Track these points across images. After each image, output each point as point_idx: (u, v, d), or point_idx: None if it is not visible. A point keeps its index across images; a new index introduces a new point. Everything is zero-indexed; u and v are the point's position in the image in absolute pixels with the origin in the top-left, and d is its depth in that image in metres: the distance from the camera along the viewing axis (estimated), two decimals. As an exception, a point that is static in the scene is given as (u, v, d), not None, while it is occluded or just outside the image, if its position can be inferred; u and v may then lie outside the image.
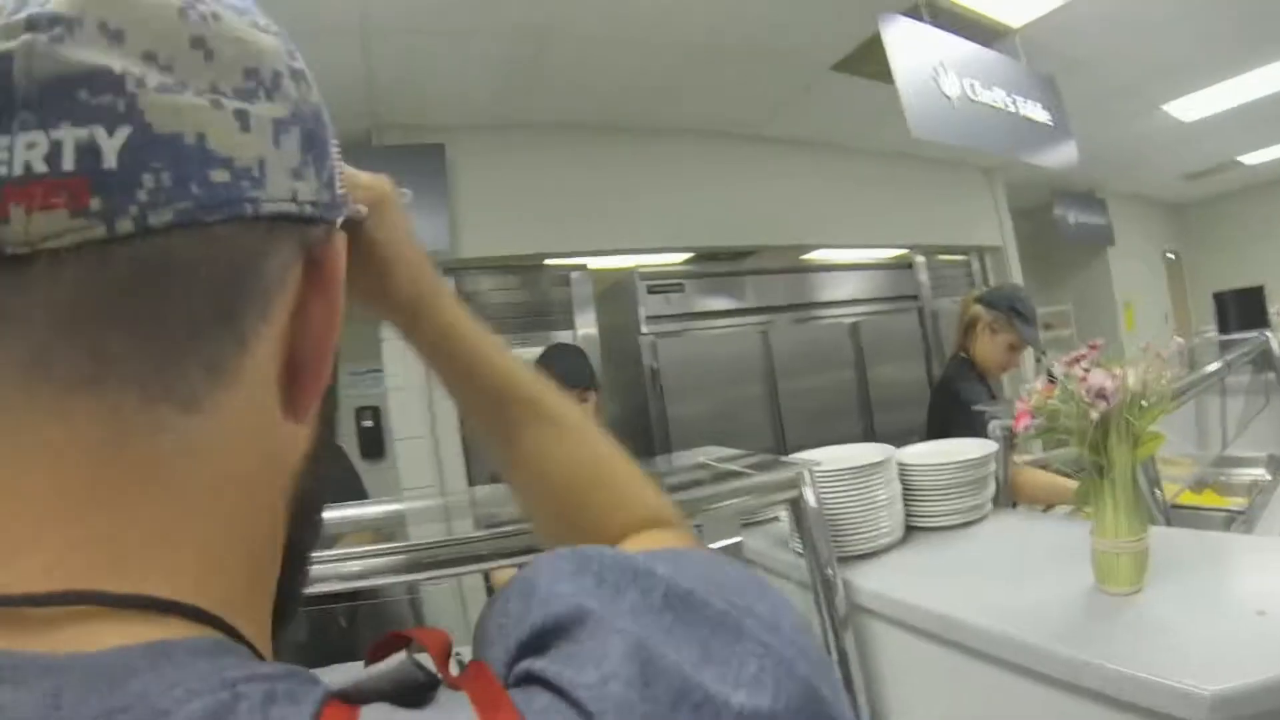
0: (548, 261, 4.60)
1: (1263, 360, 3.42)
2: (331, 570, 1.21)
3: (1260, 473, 2.90)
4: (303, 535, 0.48)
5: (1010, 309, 3.11)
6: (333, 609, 2.59)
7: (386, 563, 1.28)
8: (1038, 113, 3.95)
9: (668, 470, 2.07)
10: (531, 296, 4.54)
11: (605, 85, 4.15)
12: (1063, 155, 4.13)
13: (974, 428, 2.40)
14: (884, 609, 1.64)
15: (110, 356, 0.35)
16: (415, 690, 0.37)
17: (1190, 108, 5.83)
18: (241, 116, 0.37)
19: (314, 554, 0.53)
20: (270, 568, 0.45)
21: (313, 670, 0.36)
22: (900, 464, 1.93)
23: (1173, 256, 10.14)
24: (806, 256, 5.76)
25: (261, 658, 0.38)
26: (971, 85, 3.51)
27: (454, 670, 0.40)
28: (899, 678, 1.66)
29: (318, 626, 2.52)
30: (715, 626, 0.38)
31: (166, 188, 0.34)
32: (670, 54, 3.86)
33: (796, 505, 1.63)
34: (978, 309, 3.21)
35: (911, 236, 6.08)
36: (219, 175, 0.36)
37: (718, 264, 5.32)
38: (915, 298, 6.12)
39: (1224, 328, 4.39)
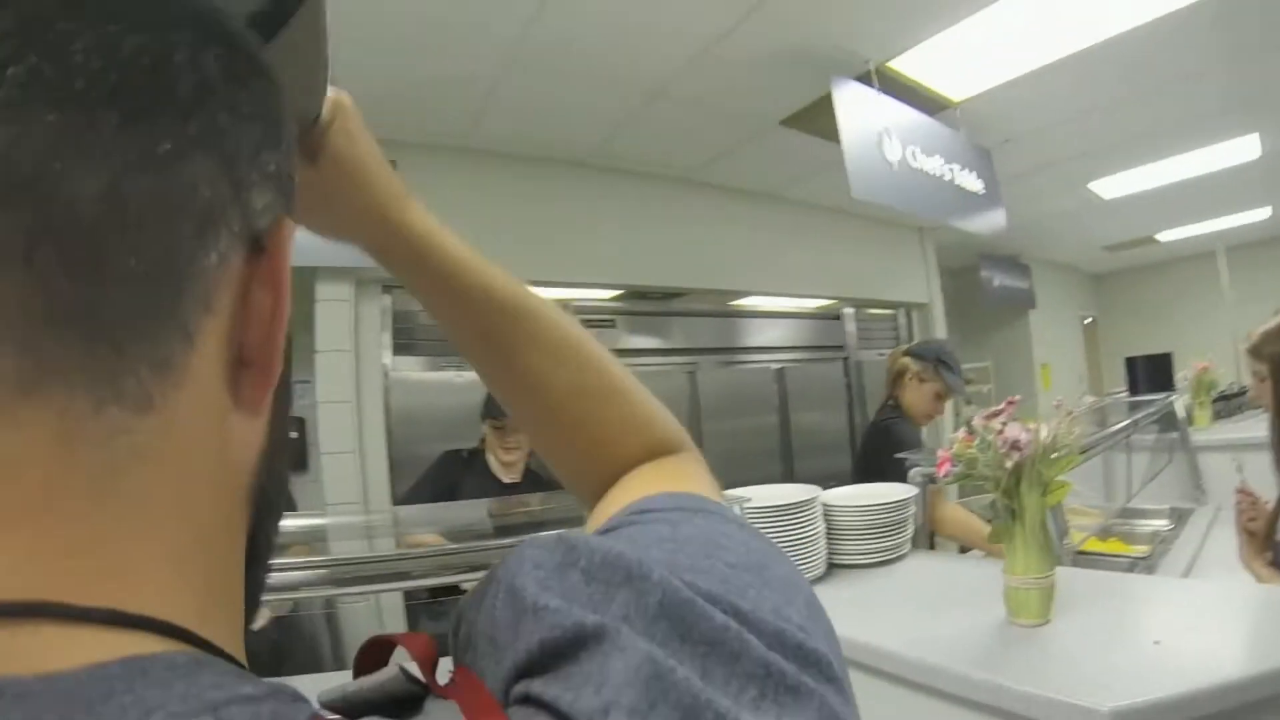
0: None
1: (1167, 421, 3.68)
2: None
3: (1163, 524, 3.10)
4: (265, 533, 0.47)
5: (937, 360, 3.29)
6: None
7: (312, 576, 1.29)
8: (971, 181, 4.18)
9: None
10: None
11: (556, 118, 4.21)
12: (992, 222, 4.38)
13: (900, 471, 2.50)
14: None
15: (50, 357, 0.33)
16: (405, 701, 0.38)
17: (1112, 186, 6.23)
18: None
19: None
20: (235, 570, 0.43)
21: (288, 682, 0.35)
22: (825, 504, 2.03)
23: (1089, 321, 10.66)
24: (737, 302, 5.88)
25: (241, 666, 0.37)
26: (913, 152, 3.70)
27: (441, 679, 0.40)
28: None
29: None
30: (713, 644, 0.36)
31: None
32: (624, 93, 3.94)
33: None
34: (906, 360, 3.39)
35: (841, 289, 6.24)
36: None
37: (648, 303, 5.41)
38: (841, 348, 6.31)
39: (1134, 389, 4.68)
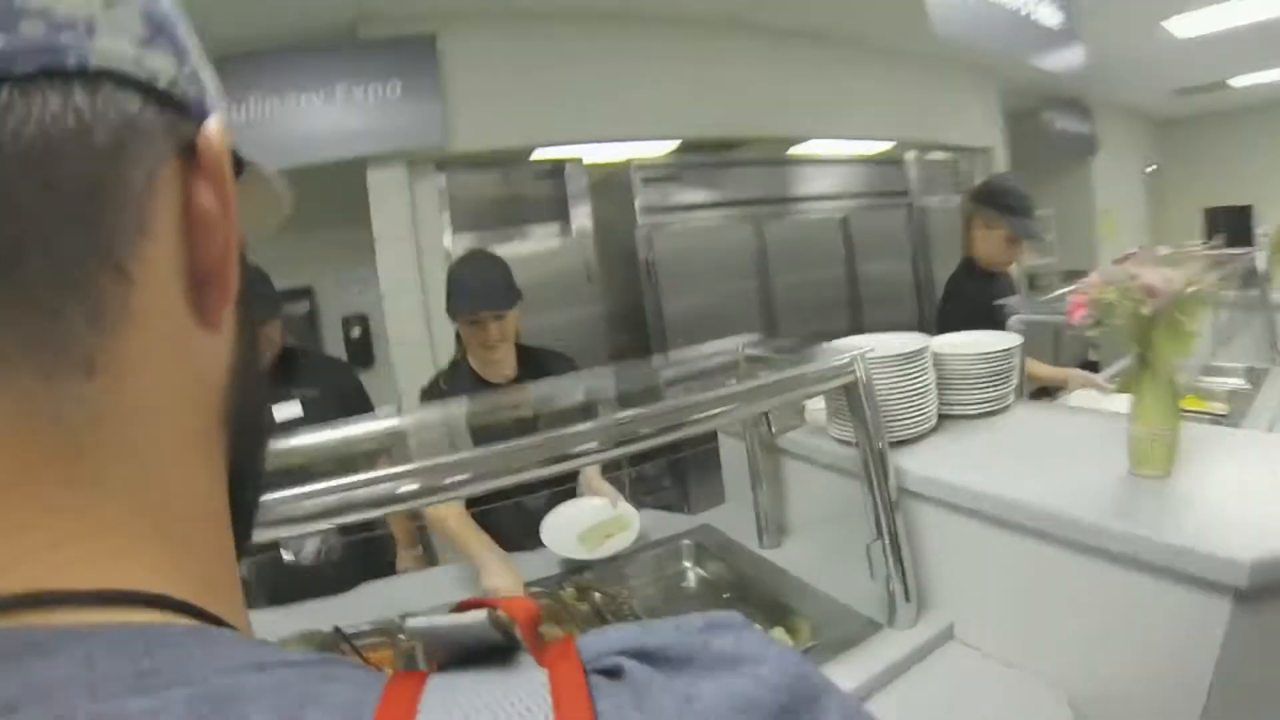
0: (540, 154, 4.57)
1: (1247, 277, 3.55)
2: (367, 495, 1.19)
3: (1240, 382, 3.07)
4: (248, 454, 0.46)
5: (1003, 204, 3.14)
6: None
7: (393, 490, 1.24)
8: (1049, 15, 3.98)
9: (709, 360, 2.15)
10: (525, 191, 4.50)
11: None
12: (1068, 59, 4.19)
13: (976, 326, 2.40)
14: (931, 491, 1.72)
15: None
16: (489, 652, 0.37)
17: (1188, 25, 5.91)
18: None
19: (264, 469, 0.50)
20: (222, 516, 0.42)
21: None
22: (935, 353, 1.99)
23: (1153, 170, 10.28)
24: (796, 149, 5.76)
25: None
26: None
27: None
28: (945, 557, 1.76)
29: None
30: None
31: None
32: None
33: (852, 390, 1.68)
34: (971, 205, 3.25)
35: (902, 132, 6.12)
36: (31, 27, 0.30)
37: (709, 155, 5.30)
38: (905, 194, 6.15)
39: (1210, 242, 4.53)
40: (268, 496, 1.12)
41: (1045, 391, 3.01)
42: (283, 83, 3.87)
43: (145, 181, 0.34)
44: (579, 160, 4.61)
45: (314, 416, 2.60)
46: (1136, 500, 1.44)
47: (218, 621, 0.34)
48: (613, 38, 4.64)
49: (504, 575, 2.11)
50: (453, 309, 2.57)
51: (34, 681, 0.27)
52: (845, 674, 1.57)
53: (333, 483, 1.18)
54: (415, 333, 4.16)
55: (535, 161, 4.56)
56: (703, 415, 1.49)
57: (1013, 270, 3.42)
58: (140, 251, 0.34)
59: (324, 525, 1.19)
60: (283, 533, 1.38)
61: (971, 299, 3.07)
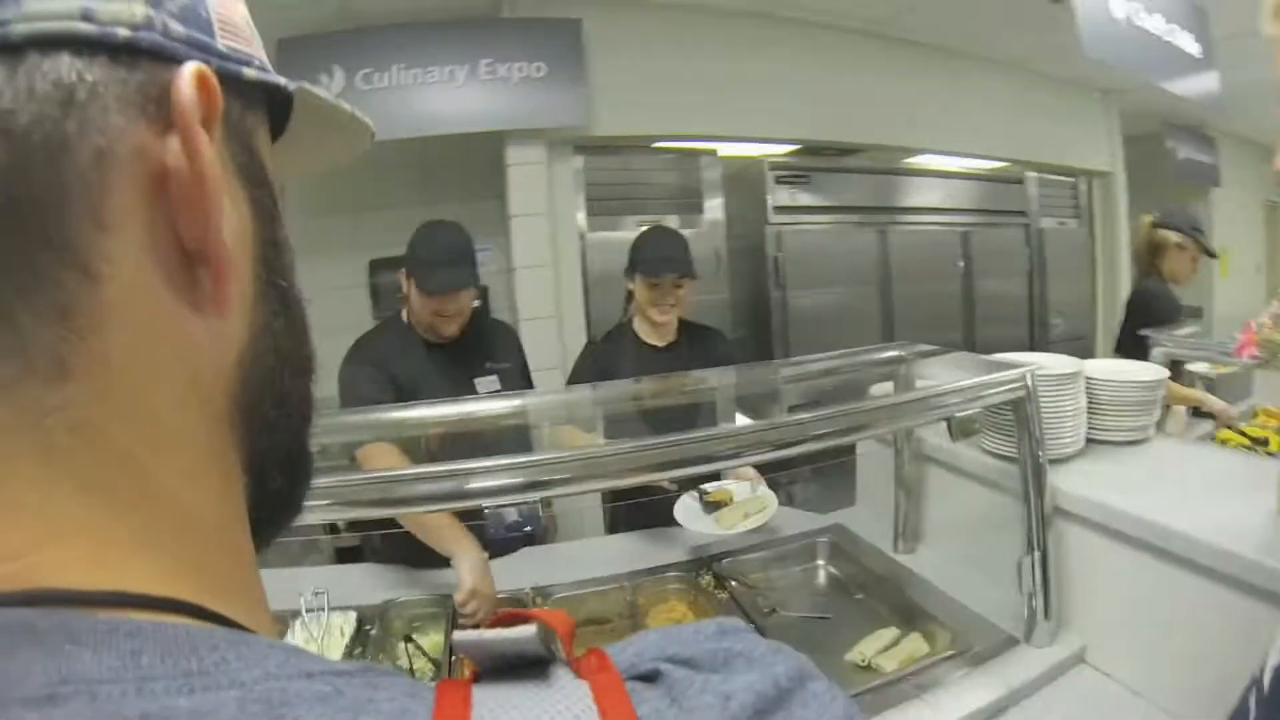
0: (676, 144, 4.67)
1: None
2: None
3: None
4: (279, 438, 0.44)
5: (1192, 227, 3.75)
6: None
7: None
8: (1189, 43, 4.06)
9: (867, 366, 2.28)
10: (658, 178, 4.61)
11: None
12: (1205, 86, 4.25)
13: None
14: (1081, 510, 1.81)
15: None
16: (533, 664, 0.37)
17: (1320, 58, 5.81)
18: None
19: (312, 450, 0.49)
20: (232, 512, 0.41)
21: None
22: (1088, 377, 2.08)
23: (1272, 205, 10.05)
24: (913, 161, 5.83)
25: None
26: (1136, 9, 3.61)
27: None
28: (1085, 579, 1.84)
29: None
30: None
31: None
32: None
33: (1020, 405, 1.78)
34: (1165, 233, 3.79)
35: (1020, 151, 6.12)
36: None
37: (828, 159, 5.41)
38: (1023, 213, 6.20)
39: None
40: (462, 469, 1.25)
41: (1198, 413, 3.25)
42: (427, 56, 4.01)
43: (93, 161, 0.32)
44: (714, 152, 4.72)
45: (509, 388, 2.76)
46: None
47: (225, 622, 0.34)
48: (746, 35, 4.74)
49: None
50: (644, 270, 2.83)
51: (77, 672, 0.27)
52: (981, 686, 1.67)
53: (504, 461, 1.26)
54: (545, 307, 4.32)
55: (668, 149, 4.66)
56: (877, 421, 1.64)
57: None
58: (100, 242, 0.32)
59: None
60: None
61: (1166, 302, 3.68)
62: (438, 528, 2.26)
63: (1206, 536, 1.53)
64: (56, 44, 0.30)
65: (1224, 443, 3.01)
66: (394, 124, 3.91)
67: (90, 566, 0.31)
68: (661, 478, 1.48)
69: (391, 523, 2.29)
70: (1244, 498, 1.67)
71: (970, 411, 2.03)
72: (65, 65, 0.31)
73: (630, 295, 3.01)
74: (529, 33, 4.14)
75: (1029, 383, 1.79)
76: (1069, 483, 1.87)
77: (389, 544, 2.56)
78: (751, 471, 2.64)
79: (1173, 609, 1.63)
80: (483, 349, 2.83)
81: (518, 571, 2.39)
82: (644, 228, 4.33)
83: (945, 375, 1.91)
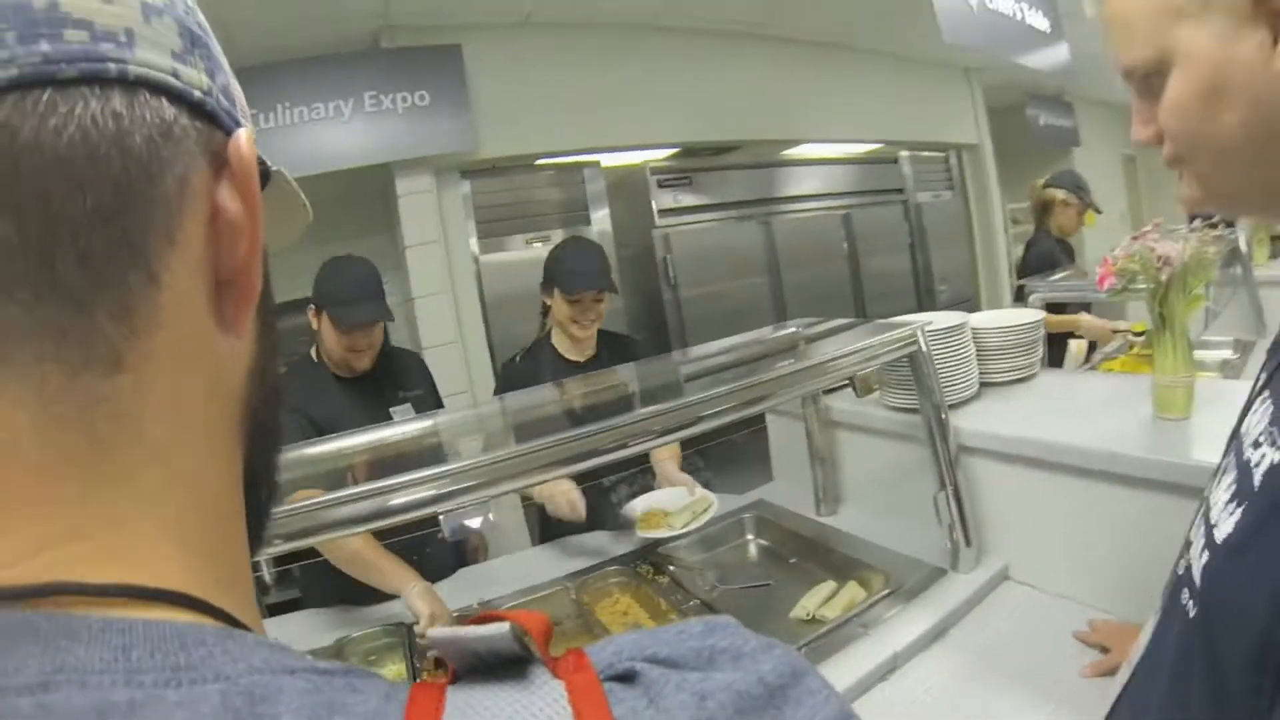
0: (559, 160, 4.76)
1: (1231, 255, 3.87)
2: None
3: (1229, 353, 3.36)
4: (263, 458, 0.48)
5: (1076, 185, 4.42)
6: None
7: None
8: (1039, 20, 4.34)
9: (767, 343, 2.38)
10: (544, 194, 4.68)
11: None
12: (1056, 58, 4.55)
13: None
14: (983, 444, 1.99)
15: (11, 326, 0.33)
16: (508, 663, 0.37)
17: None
18: None
19: (277, 471, 0.52)
20: (238, 516, 0.44)
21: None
22: (973, 327, 2.26)
23: (1131, 156, 10.66)
24: (793, 152, 6.03)
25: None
26: None
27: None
28: (996, 505, 2.02)
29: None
30: None
31: (9, 44, 0.32)
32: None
33: (915, 358, 1.95)
34: (1053, 191, 4.46)
35: (893, 132, 6.40)
36: (75, 35, 0.33)
37: (717, 158, 5.57)
38: (900, 190, 6.48)
39: (1191, 223, 4.89)
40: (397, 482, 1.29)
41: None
42: (310, 92, 3.99)
43: (177, 187, 0.37)
44: (597, 164, 4.81)
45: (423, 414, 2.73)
46: (1165, 437, 1.72)
47: (233, 621, 0.36)
48: (622, 46, 4.86)
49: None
50: (563, 285, 2.79)
51: (70, 664, 0.29)
52: (920, 616, 1.83)
53: (426, 472, 1.31)
54: (448, 333, 4.36)
55: (553, 166, 4.74)
56: (787, 386, 1.74)
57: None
58: (168, 254, 0.37)
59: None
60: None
61: (1049, 253, 4.31)
62: (375, 567, 2.24)
63: (1097, 445, 1.74)
64: (157, 89, 0.36)
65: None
66: (283, 165, 3.80)
67: (116, 558, 0.33)
68: (575, 470, 1.45)
69: (324, 563, 2.24)
70: (1125, 411, 1.90)
71: (871, 368, 2.17)
72: (165, 106, 0.36)
73: (546, 309, 2.98)
74: (410, 62, 4.18)
75: (921, 338, 1.95)
76: (969, 422, 2.04)
77: (327, 583, 2.46)
78: (685, 477, 2.66)
79: (1078, 515, 1.83)
80: (394, 378, 2.84)
81: (459, 591, 2.42)
82: (537, 242, 4.41)
83: (842, 342, 2.04)
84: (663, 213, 4.97)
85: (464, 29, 4.29)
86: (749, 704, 0.35)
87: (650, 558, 2.42)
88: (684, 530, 2.40)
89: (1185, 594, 0.82)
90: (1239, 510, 0.74)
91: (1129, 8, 0.81)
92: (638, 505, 2.61)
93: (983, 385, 2.28)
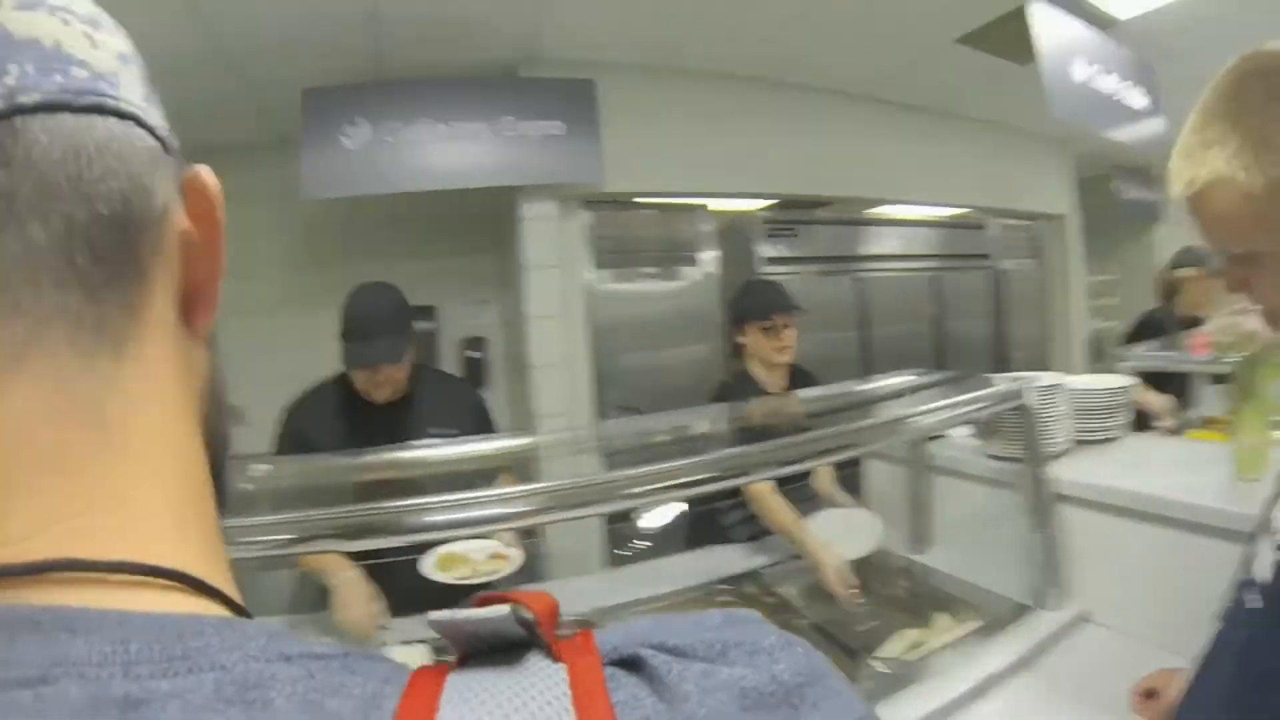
0: (672, 200, 5.01)
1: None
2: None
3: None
4: (218, 459, 0.49)
5: (1202, 260, 4.16)
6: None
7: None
8: (1138, 99, 4.51)
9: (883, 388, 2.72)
10: (656, 232, 4.98)
11: (744, 35, 4.53)
12: (1152, 131, 4.66)
13: None
14: (1074, 493, 2.26)
15: (38, 312, 0.37)
16: (510, 646, 0.38)
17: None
18: (89, 36, 0.41)
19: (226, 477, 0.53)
20: (212, 505, 0.46)
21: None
22: (1070, 388, 2.57)
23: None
24: (878, 210, 6.26)
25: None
26: (1095, 72, 4.05)
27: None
28: (1082, 552, 2.28)
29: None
30: None
31: (31, 75, 0.37)
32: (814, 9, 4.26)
33: (1023, 411, 2.25)
34: (1183, 271, 4.35)
35: (982, 199, 6.65)
36: (79, 72, 0.39)
37: (815, 211, 5.83)
38: (987, 256, 6.74)
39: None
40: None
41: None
42: (451, 111, 4.22)
43: (161, 205, 0.42)
44: (704, 208, 5.13)
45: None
46: (1242, 495, 1.98)
47: (229, 601, 0.39)
48: (739, 98, 5.07)
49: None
50: (757, 315, 3.16)
51: (69, 656, 0.30)
52: (1007, 648, 2.06)
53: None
54: (553, 358, 4.55)
55: (668, 205, 5.06)
56: (928, 425, 2.08)
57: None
58: (155, 261, 0.42)
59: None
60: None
61: (1153, 327, 4.28)
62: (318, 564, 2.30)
63: (1178, 497, 2.01)
64: (140, 123, 0.42)
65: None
66: (418, 176, 4.16)
67: (122, 533, 0.36)
68: (712, 490, 1.58)
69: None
70: (1204, 471, 2.15)
71: (985, 415, 2.42)
72: (149, 138, 0.42)
73: (738, 349, 3.32)
74: (548, 92, 4.40)
75: (1029, 393, 2.27)
76: (1061, 473, 2.33)
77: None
78: (848, 498, 2.99)
79: (1156, 562, 2.08)
80: (425, 412, 2.75)
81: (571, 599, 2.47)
82: (646, 277, 4.66)
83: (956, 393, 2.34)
84: (767, 260, 5.22)
85: (597, 65, 4.52)
86: (757, 701, 0.35)
87: (758, 579, 2.68)
88: (467, 580, 2.33)
89: (1250, 593, 0.96)
90: None
91: (1224, 215, 0.99)
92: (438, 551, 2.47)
93: (1076, 443, 2.58)
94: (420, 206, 4.75)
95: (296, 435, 2.64)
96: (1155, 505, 2.07)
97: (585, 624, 1.88)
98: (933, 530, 2.85)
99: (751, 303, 3.20)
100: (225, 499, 0.50)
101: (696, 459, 1.59)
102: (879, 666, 2.09)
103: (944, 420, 2.13)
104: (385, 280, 2.75)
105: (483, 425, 2.88)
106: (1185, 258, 4.41)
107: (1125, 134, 4.43)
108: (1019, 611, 2.24)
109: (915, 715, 1.79)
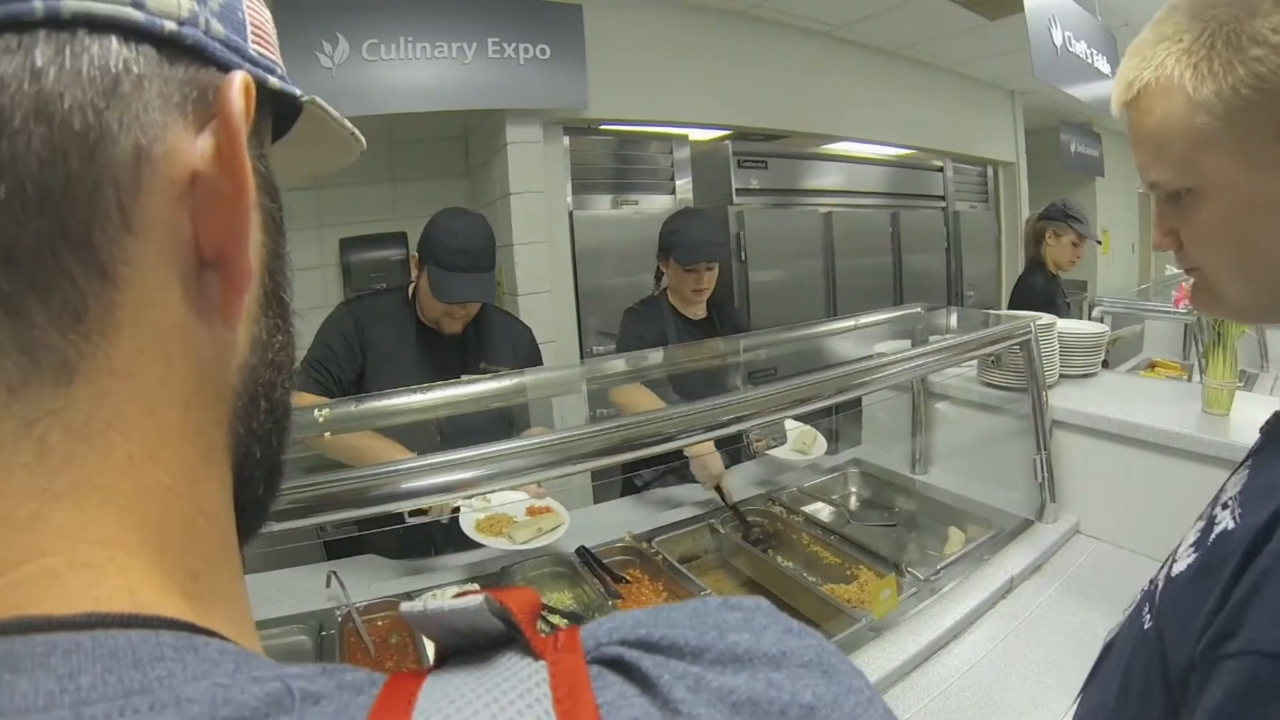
0: (649, 129, 5.12)
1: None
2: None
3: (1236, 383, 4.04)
4: (262, 450, 0.44)
5: (1065, 214, 4.39)
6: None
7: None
8: (1103, 64, 4.84)
9: (902, 322, 2.98)
10: (634, 159, 5.09)
11: None
12: (1108, 92, 5.02)
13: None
14: (1068, 419, 2.59)
15: None
16: (487, 642, 0.36)
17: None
18: None
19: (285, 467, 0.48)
20: (225, 520, 0.41)
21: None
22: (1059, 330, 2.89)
23: (1143, 192, 11.37)
24: (849, 148, 6.51)
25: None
26: (1068, 37, 4.35)
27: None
28: (1072, 471, 2.61)
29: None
30: None
31: None
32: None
33: (1027, 346, 2.55)
34: (1042, 224, 4.45)
35: (936, 142, 7.00)
36: None
37: (791, 144, 6.03)
38: (942, 197, 7.14)
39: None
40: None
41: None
42: (436, 31, 4.04)
43: (132, 157, 0.32)
44: (685, 137, 5.26)
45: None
46: (1213, 425, 2.32)
47: (210, 634, 0.33)
48: (717, 30, 5.22)
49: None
50: (680, 257, 3.09)
51: (12, 705, 0.26)
52: (1016, 555, 2.35)
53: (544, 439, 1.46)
54: (541, 284, 4.59)
55: (645, 134, 5.15)
56: (925, 366, 2.31)
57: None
58: (125, 244, 0.33)
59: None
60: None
61: (1042, 293, 4.24)
62: (372, 452, 2.23)
63: (1160, 425, 2.34)
64: (106, 27, 0.31)
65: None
66: (400, 98, 4.01)
67: (78, 577, 0.31)
68: (701, 440, 1.66)
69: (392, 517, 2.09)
70: (1176, 404, 2.52)
71: (997, 350, 2.67)
72: (114, 51, 0.31)
73: (660, 273, 3.33)
74: (534, 14, 4.29)
75: (1034, 330, 2.57)
76: (1054, 401, 2.65)
77: (390, 536, 2.31)
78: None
79: (1140, 480, 2.42)
80: (480, 346, 2.77)
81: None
82: (625, 204, 4.79)
83: (957, 327, 2.62)
84: (740, 191, 5.42)
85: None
86: (751, 714, 0.32)
87: (778, 499, 2.83)
88: (523, 546, 2.31)
89: (1148, 608, 0.89)
90: (1193, 555, 0.82)
91: (1159, 129, 0.84)
92: (476, 505, 2.46)
93: (1061, 376, 2.90)
94: (394, 129, 4.76)
95: (356, 331, 2.62)
96: (1139, 432, 2.40)
97: (575, 618, 1.73)
98: (933, 452, 3.16)
99: (678, 241, 3.12)
100: (270, 491, 0.47)
101: (714, 403, 1.71)
102: (920, 573, 2.24)
103: (962, 355, 2.40)
104: (466, 208, 2.71)
105: (534, 362, 2.93)
106: (1051, 211, 4.49)
107: (1090, 96, 4.71)
108: (1023, 525, 2.55)
109: (960, 612, 2.08)
